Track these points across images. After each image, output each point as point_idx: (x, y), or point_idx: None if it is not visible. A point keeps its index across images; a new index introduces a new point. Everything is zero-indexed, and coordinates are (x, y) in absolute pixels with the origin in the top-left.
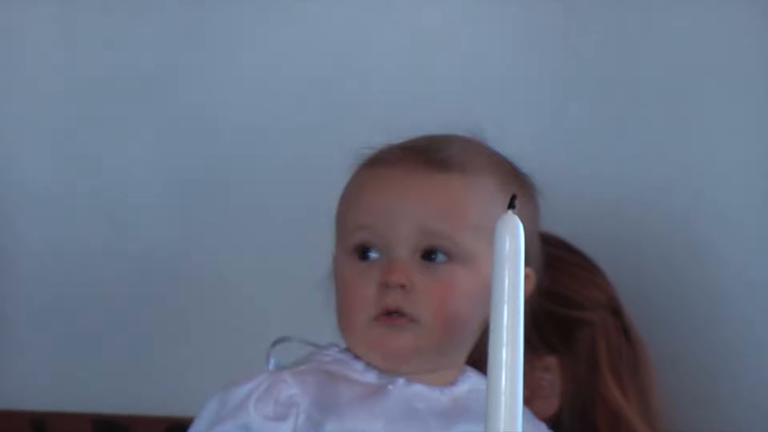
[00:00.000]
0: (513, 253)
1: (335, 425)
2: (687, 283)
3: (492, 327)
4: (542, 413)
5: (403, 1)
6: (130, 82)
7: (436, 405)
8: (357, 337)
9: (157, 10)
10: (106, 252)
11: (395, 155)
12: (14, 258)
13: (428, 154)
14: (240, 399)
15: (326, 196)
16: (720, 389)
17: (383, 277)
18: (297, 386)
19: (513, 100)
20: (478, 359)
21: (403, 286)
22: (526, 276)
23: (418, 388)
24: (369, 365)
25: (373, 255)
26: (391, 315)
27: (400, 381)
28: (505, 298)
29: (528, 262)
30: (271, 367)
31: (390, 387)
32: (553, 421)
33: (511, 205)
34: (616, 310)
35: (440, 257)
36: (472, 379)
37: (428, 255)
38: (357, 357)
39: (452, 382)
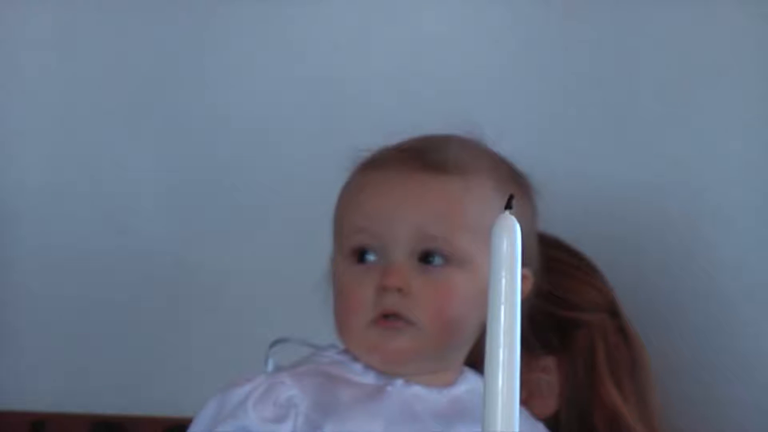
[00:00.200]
0: (510, 254)
1: (334, 427)
2: (685, 283)
3: (489, 328)
4: (540, 414)
5: (402, 5)
6: (131, 82)
7: (435, 406)
8: (355, 340)
9: (158, 10)
10: (106, 253)
11: (392, 158)
12: (14, 259)
13: (425, 157)
14: (239, 400)
15: (326, 198)
16: (718, 390)
17: (381, 281)
18: (296, 387)
19: (511, 101)
20: (477, 360)
21: (400, 290)
22: (525, 277)
23: (417, 390)
24: (368, 366)
25: (370, 257)
26: (388, 318)
27: (399, 382)
28: (502, 299)
29: (526, 264)
30: (269, 368)
31: (389, 388)
32: (551, 422)
33: (508, 206)
34: (614, 311)
35: (437, 260)
36: (470, 380)
37: (425, 258)
38: (356, 358)
39: (451, 383)
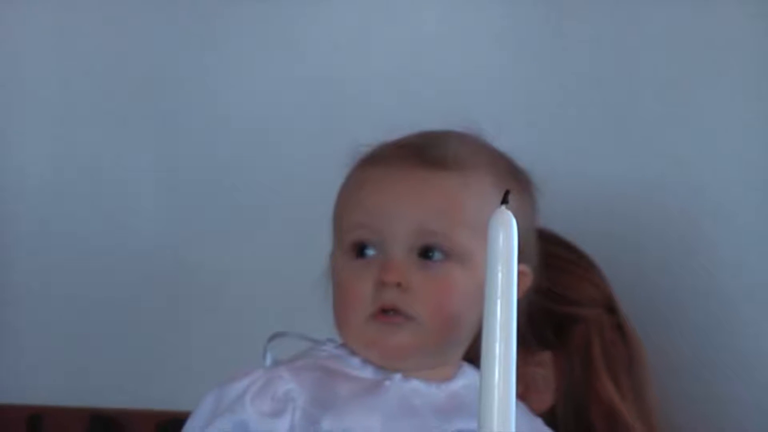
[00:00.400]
0: (506, 249)
1: (332, 421)
2: (685, 281)
3: (485, 322)
4: (537, 408)
5: (402, 4)
6: (130, 82)
7: (433, 401)
8: (354, 335)
9: (158, 10)
10: (104, 249)
11: (392, 153)
12: (13, 257)
13: (425, 153)
14: (236, 395)
15: (326, 197)
16: (717, 388)
17: (380, 276)
18: (294, 382)
19: (511, 100)
20: (475, 355)
21: (399, 285)
22: (523, 273)
23: (415, 384)
24: (366, 360)
25: (370, 252)
26: (387, 313)
27: (397, 377)
28: (499, 293)
29: (525, 260)
30: (267, 362)
31: (387, 383)
32: (547, 417)
33: (504, 200)
34: (611, 307)
35: (437, 255)
36: (468, 375)
37: (425, 253)
38: (354, 352)
39: (449, 378)
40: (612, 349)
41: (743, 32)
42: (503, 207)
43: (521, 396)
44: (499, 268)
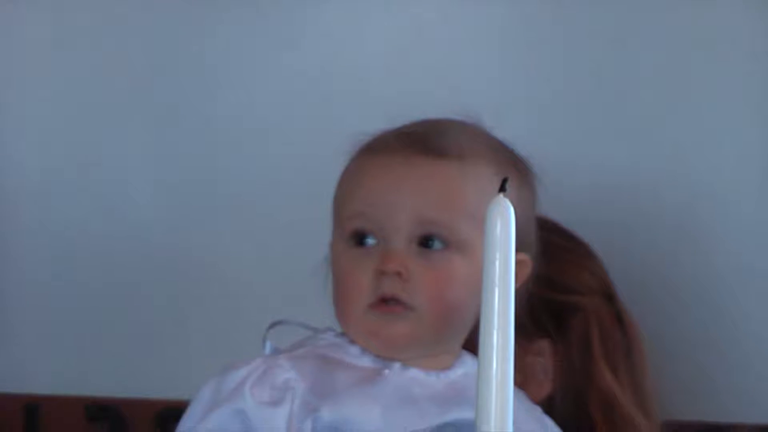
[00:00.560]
0: (504, 237)
1: (331, 410)
2: (682, 269)
3: (483, 311)
4: (535, 397)
5: None
6: (127, 74)
7: (432, 390)
8: (354, 324)
9: (156, 2)
10: (102, 240)
11: (392, 142)
12: (11, 245)
13: (425, 142)
14: (236, 383)
15: (324, 184)
16: (714, 376)
17: (379, 265)
18: (293, 370)
19: (509, 90)
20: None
21: (399, 274)
22: (523, 262)
23: (415, 373)
24: (365, 349)
25: (370, 241)
26: (387, 303)
27: (397, 366)
28: (496, 281)
29: (525, 249)
30: (267, 350)
31: (386, 372)
32: (546, 405)
33: (502, 189)
34: (609, 296)
35: (437, 245)
36: (468, 364)
37: (425, 242)
38: (353, 341)
39: (448, 367)
40: (610, 337)
41: (741, 23)
42: (501, 195)
43: (520, 385)
44: (497, 256)
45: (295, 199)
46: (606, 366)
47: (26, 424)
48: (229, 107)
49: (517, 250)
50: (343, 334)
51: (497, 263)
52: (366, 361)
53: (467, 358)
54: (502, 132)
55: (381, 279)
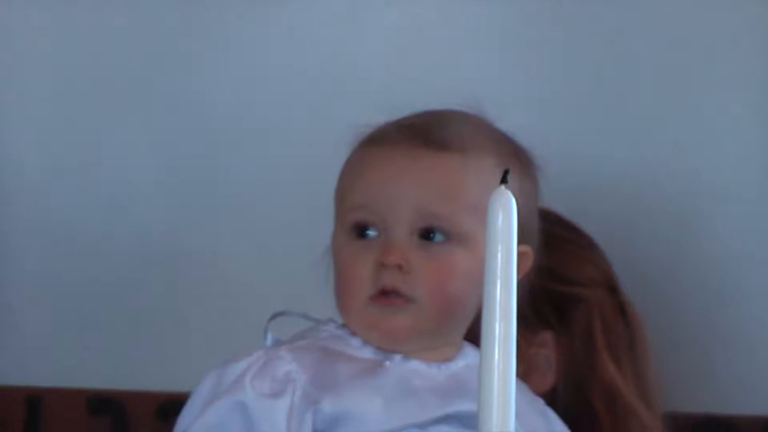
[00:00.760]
0: (506, 228)
1: (332, 402)
2: (683, 260)
3: (485, 302)
4: (538, 389)
5: None
6: (128, 66)
7: (434, 381)
8: (354, 316)
9: None
10: (103, 232)
11: (394, 134)
12: (12, 238)
13: (427, 134)
14: (236, 375)
15: (324, 182)
16: (717, 367)
17: (380, 257)
18: (294, 362)
19: (509, 82)
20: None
21: (400, 267)
22: (525, 254)
23: (416, 365)
24: (366, 341)
25: (371, 233)
26: (388, 295)
27: (398, 357)
28: (498, 273)
29: (527, 241)
30: (268, 342)
31: (387, 363)
32: (549, 397)
33: (503, 180)
34: (612, 288)
35: (438, 237)
36: (469, 355)
37: (426, 235)
38: (354, 333)
39: (450, 359)
40: (613, 329)
41: (741, 16)
42: (502, 187)
43: (523, 376)
44: (499, 248)
45: (294, 195)
46: (609, 357)
47: (28, 417)
48: (229, 105)
49: (519, 241)
50: (344, 326)
51: (499, 255)
52: (367, 353)
53: (469, 350)
54: (504, 125)
55: (382, 271)
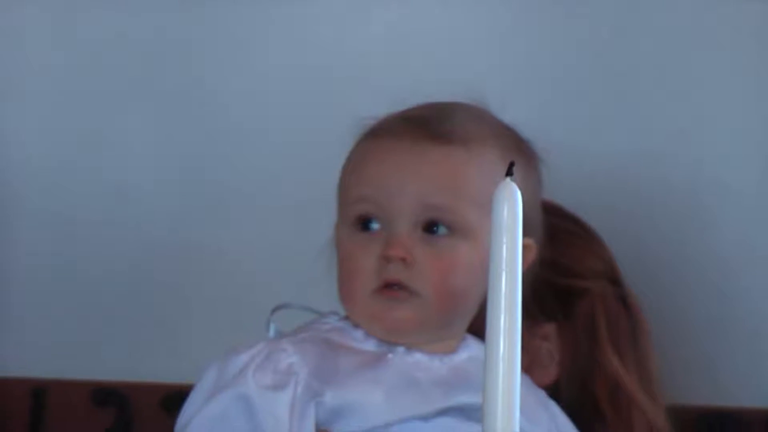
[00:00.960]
0: (511, 221)
1: (335, 394)
2: (686, 252)
3: (490, 295)
4: (541, 381)
5: None
6: (131, 57)
7: (436, 374)
8: (358, 308)
9: None
10: (106, 223)
11: (397, 126)
12: (16, 229)
13: (430, 126)
14: (239, 368)
15: (327, 169)
16: (719, 360)
17: (384, 251)
18: (296, 355)
19: (512, 73)
20: (478, 327)
21: (404, 260)
22: (528, 247)
23: (418, 357)
24: (369, 334)
25: (374, 226)
26: (391, 288)
27: (400, 350)
28: (503, 265)
29: (530, 233)
30: (271, 334)
31: (390, 356)
32: (551, 390)
33: (509, 173)
34: (614, 280)
35: (442, 230)
36: (472, 348)
37: (429, 228)
38: (357, 325)
39: (452, 351)
40: (616, 321)
41: (743, 6)
42: (508, 179)
43: (526, 369)
44: (504, 240)
45: (298, 187)
46: (612, 349)
47: (33, 409)
48: (232, 94)
49: (522, 234)
50: (346, 318)
51: (504, 248)
52: (370, 346)
53: (471, 342)
54: (506, 115)
55: (385, 264)
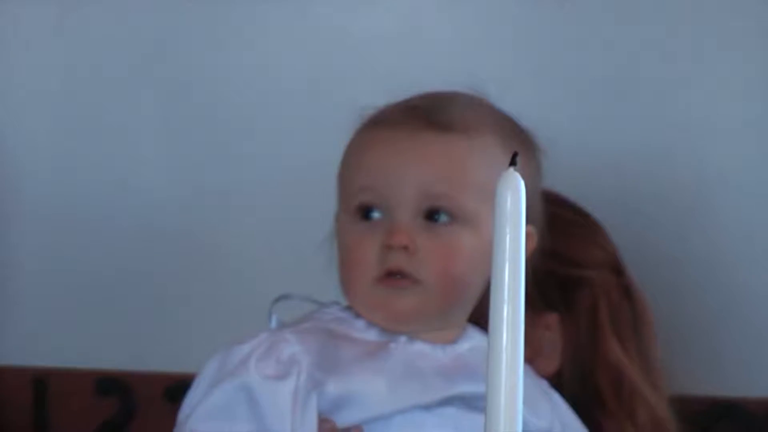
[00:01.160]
0: (514, 211)
1: (337, 384)
2: (688, 243)
3: (493, 285)
4: (543, 371)
5: None
6: (133, 43)
7: (438, 363)
8: (360, 298)
9: None
10: (108, 211)
11: (398, 116)
12: (17, 217)
13: (431, 115)
14: (241, 358)
15: (328, 158)
16: (722, 350)
17: (386, 239)
18: (298, 344)
19: (515, 66)
20: (480, 317)
21: (406, 248)
22: (528, 235)
23: (420, 346)
24: (370, 323)
25: (375, 215)
26: (393, 277)
27: (402, 339)
28: (507, 255)
29: (530, 221)
30: (273, 324)
31: (392, 345)
32: (554, 380)
33: (512, 163)
34: (617, 269)
35: (443, 218)
36: (473, 337)
37: (431, 216)
38: (358, 315)
39: (454, 340)
40: (618, 310)
41: (749, 2)
42: (511, 169)
43: (528, 360)
44: (507, 230)
45: (300, 178)
46: (614, 339)
47: (35, 398)
48: (236, 76)
49: None
50: (348, 308)
51: (508, 238)
52: (371, 335)
53: (473, 332)
54: (510, 107)
55: (387, 253)
